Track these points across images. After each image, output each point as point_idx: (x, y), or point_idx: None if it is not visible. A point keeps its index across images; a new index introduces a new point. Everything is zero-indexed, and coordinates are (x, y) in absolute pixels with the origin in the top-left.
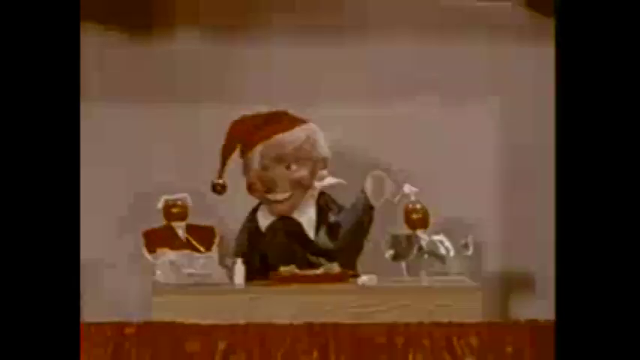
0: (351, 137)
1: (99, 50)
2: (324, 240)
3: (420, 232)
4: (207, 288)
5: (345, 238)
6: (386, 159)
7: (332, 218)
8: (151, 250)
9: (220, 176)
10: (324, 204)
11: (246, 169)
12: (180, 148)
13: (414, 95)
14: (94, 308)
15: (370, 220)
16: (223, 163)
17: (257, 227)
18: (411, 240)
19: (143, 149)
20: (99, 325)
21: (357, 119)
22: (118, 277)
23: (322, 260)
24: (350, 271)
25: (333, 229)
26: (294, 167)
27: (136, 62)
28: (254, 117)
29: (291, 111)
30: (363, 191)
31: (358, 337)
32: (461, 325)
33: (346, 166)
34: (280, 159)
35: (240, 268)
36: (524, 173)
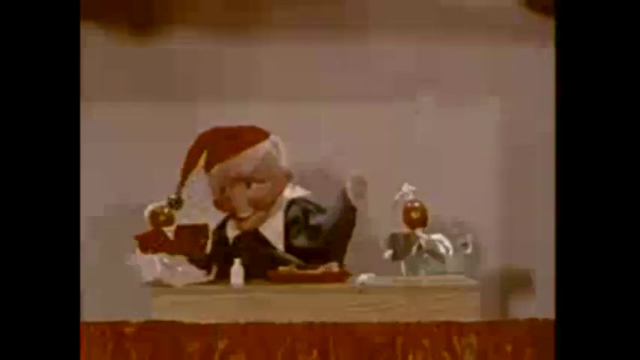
0: (351, 137)
1: (99, 50)
2: (303, 243)
3: (419, 231)
4: (207, 288)
5: (326, 239)
6: (385, 158)
7: (312, 221)
8: (145, 252)
9: (179, 191)
10: (301, 210)
11: (210, 186)
12: (179, 147)
13: (413, 95)
14: (94, 308)
15: (353, 221)
16: (184, 178)
17: (226, 240)
18: (410, 239)
19: (142, 149)
20: (99, 324)
21: (357, 119)
22: (118, 277)
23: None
24: (347, 271)
25: (313, 232)
26: (254, 186)
27: (135, 61)
28: (215, 134)
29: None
30: (344, 192)
31: (358, 336)
32: (460, 324)
33: (345, 164)
34: (239, 179)
35: (238, 269)
36: (524, 173)
